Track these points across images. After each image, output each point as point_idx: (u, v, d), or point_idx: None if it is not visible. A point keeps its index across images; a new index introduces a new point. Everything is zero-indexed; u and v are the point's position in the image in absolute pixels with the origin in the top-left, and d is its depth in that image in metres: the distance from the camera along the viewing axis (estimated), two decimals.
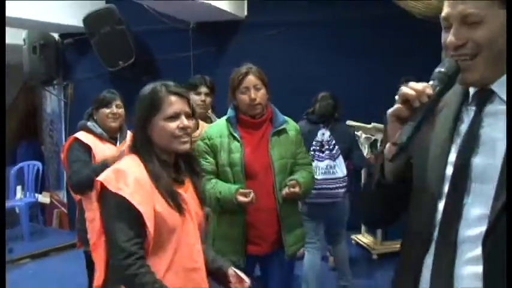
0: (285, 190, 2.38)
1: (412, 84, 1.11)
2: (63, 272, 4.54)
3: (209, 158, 2.43)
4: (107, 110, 2.99)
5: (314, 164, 3.47)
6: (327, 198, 3.57)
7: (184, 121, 1.69)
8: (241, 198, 2.29)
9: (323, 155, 3.61)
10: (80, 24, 5.50)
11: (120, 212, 1.55)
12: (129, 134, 3.09)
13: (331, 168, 3.58)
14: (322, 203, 3.56)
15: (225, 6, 5.24)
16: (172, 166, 1.73)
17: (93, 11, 5.37)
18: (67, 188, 5.99)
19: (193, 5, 4.81)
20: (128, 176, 1.57)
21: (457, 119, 1.18)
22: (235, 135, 2.42)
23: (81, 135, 2.93)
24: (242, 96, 2.42)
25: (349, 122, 4.75)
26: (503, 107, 1.09)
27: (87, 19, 5.35)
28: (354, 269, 4.48)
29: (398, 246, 3.78)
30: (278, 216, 2.43)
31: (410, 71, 4.10)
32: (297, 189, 2.36)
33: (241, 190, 2.31)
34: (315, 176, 3.25)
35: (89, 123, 2.97)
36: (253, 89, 2.40)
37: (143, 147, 1.67)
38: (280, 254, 2.48)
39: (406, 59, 4.85)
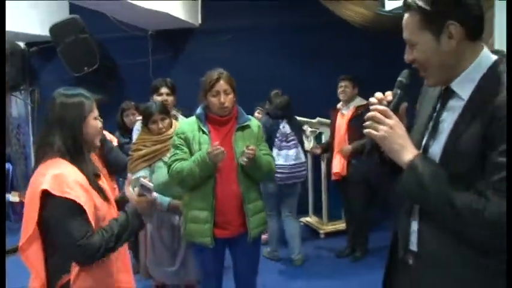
0: (243, 156, 2.56)
1: (376, 94, 1.44)
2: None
3: (184, 148, 2.67)
4: None
5: (284, 152, 4.31)
6: (296, 179, 4.38)
7: (100, 123, 1.91)
8: (213, 151, 2.49)
9: (289, 144, 4.38)
10: (45, 33, 5.88)
11: (71, 213, 1.67)
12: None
13: (298, 154, 4.39)
14: (292, 183, 4.37)
15: (180, 14, 5.70)
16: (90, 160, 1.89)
17: (58, 21, 5.75)
18: None
19: (151, 14, 5.21)
20: (68, 179, 1.69)
21: (434, 111, 1.44)
22: (204, 129, 2.67)
23: None
24: (213, 99, 2.64)
25: (299, 118, 5.34)
26: (460, 103, 1.34)
27: (53, 29, 5.73)
28: (305, 247, 5.09)
29: (342, 225, 4.66)
30: (242, 202, 2.66)
31: (349, 71, 4.74)
32: (252, 151, 2.54)
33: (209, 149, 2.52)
34: (287, 163, 4.25)
35: None
36: (223, 93, 2.63)
37: (75, 150, 1.79)
38: (246, 237, 2.70)
39: (345, 61, 5.50)
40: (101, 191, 1.84)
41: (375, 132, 1.39)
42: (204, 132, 2.68)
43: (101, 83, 5.86)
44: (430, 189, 1.31)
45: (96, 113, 1.90)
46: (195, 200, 2.68)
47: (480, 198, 1.24)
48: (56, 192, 1.67)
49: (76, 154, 1.80)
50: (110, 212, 1.89)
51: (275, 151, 4.31)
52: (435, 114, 1.44)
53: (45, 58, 6.55)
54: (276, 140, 4.38)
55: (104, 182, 1.94)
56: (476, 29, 1.33)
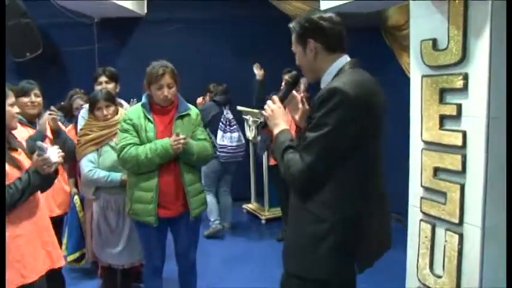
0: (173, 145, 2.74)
1: (268, 103, 1.99)
2: None
3: (134, 133, 2.83)
4: (26, 99, 3.21)
5: (228, 135, 4.99)
6: (238, 158, 5.11)
7: (17, 108, 2.29)
8: (175, 142, 2.72)
9: (232, 128, 5.06)
10: None
11: None
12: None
13: (240, 137, 5.12)
14: (233, 162, 5.10)
15: (126, 3, 5.69)
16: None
17: None
18: None
19: (97, 1, 5.18)
20: None
21: None
22: (149, 117, 2.84)
23: None
24: (157, 92, 2.81)
25: (240, 108, 5.54)
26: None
27: None
28: (247, 232, 5.31)
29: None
30: (183, 184, 2.85)
31: (289, 64, 4.95)
32: (181, 138, 2.74)
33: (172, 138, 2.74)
34: (231, 144, 4.96)
35: None
36: (167, 87, 2.80)
37: None
38: (187, 217, 2.90)
39: (286, 53, 5.68)
40: (11, 161, 2.20)
41: (265, 113, 1.99)
42: (149, 120, 2.85)
43: (43, 69, 5.77)
44: (277, 153, 1.90)
45: (11, 100, 2.26)
46: (140, 182, 2.83)
47: (294, 158, 1.80)
48: None
49: None
50: None
51: (220, 133, 5.00)
52: None
53: None
54: (221, 124, 5.04)
55: (21, 154, 2.32)
56: (331, 45, 1.89)
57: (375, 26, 5.50)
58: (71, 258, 3.57)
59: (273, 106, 1.97)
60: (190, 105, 3.03)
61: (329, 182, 1.78)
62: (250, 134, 5.58)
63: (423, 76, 2.38)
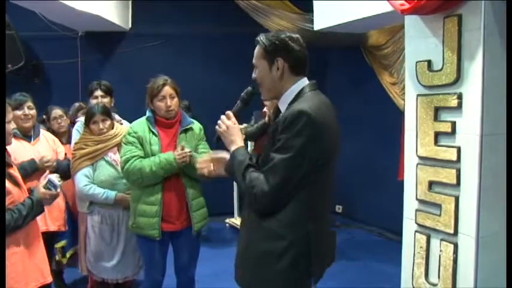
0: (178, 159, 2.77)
1: (222, 118, 1.99)
2: None
3: (139, 145, 2.86)
4: (19, 112, 3.21)
5: None
6: None
7: (13, 125, 2.40)
8: (180, 155, 2.76)
9: None
10: None
11: None
12: (41, 131, 3.45)
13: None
14: None
15: (111, 17, 5.75)
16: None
17: None
18: None
19: (82, 15, 5.21)
20: None
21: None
22: (154, 131, 2.89)
23: None
24: (159, 103, 2.87)
25: None
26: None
27: None
28: (229, 247, 5.31)
29: None
30: (186, 198, 2.90)
31: None
32: (186, 151, 2.79)
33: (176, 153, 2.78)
34: None
35: None
36: (169, 98, 2.87)
37: None
38: (189, 231, 2.94)
39: None
40: (10, 178, 2.24)
41: (219, 128, 1.99)
42: (154, 133, 2.90)
43: (26, 81, 5.73)
44: (236, 167, 1.92)
45: (9, 117, 2.28)
46: (144, 195, 2.87)
47: (258, 178, 1.82)
48: None
49: None
50: (20, 195, 2.31)
51: None
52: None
53: None
54: None
55: (15, 171, 2.37)
56: (296, 67, 1.93)
57: (356, 45, 5.70)
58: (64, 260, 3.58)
59: (228, 122, 1.98)
60: (193, 120, 3.09)
61: (289, 201, 1.84)
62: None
63: (418, 95, 2.51)
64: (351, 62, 6.07)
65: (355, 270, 4.58)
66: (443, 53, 2.34)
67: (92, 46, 6.24)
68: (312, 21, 5.20)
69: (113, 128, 3.33)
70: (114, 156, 3.26)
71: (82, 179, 3.19)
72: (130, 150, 2.87)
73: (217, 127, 2.01)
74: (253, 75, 1.99)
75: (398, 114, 5.09)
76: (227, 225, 6.11)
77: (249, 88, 2.09)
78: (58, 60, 6.03)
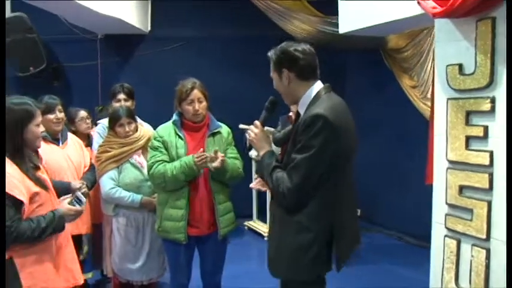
0: (211, 162, 2.76)
1: (251, 127, 2.24)
2: None
3: (163, 150, 2.86)
4: (51, 116, 3.22)
5: None
6: None
7: (42, 127, 2.39)
8: (197, 155, 2.74)
9: None
10: None
11: (10, 203, 2.09)
12: (70, 134, 3.46)
13: None
14: None
15: (131, 20, 5.78)
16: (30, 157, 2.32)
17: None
18: None
19: (103, 18, 5.25)
20: (12, 179, 2.11)
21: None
22: (180, 135, 2.87)
23: None
24: (187, 107, 2.85)
25: (242, 126, 5.58)
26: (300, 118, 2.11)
27: None
28: (249, 251, 5.30)
29: None
30: (213, 203, 2.87)
31: None
32: (205, 154, 2.76)
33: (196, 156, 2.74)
34: None
35: None
36: (197, 102, 2.85)
37: (14, 150, 2.18)
38: (215, 236, 2.91)
39: None
40: (38, 181, 2.25)
41: (248, 137, 2.25)
42: (180, 137, 2.89)
43: (46, 84, 5.79)
44: (265, 170, 2.15)
45: (37, 120, 2.27)
46: (171, 199, 2.86)
47: (283, 177, 2.04)
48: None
49: (15, 153, 2.19)
50: (48, 198, 2.31)
51: None
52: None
53: None
54: None
55: (44, 173, 2.37)
56: (303, 73, 2.12)
57: (376, 48, 5.67)
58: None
59: (256, 130, 2.23)
60: (221, 124, 3.06)
61: (313, 196, 2.05)
62: (253, 152, 5.64)
63: (449, 99, 2.50)
64: (370, 65, 6.03)
65: (374, 274, 4.54)
66: (475, 56, 2.33)
67: (111, 49, 6.28)
68: (332, 24, 5.18)
69: (137, 131, 3.34)
70: (139, 158, 3.27)
71: (108, 182, 3.20)
72: (155, 155, 2.87)
73: (247, 135, 2.27)
74: (274, 85, 2.24)
75: (418, 118, 5.07)
76: (246, 227, 6.10)
77: (271, 97, 2.32)
78: (78, 62, 6.07)
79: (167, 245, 2.96)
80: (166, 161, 2.85)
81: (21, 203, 2.13)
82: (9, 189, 2.09)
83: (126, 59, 6.40)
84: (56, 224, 2.24)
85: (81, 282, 2.49)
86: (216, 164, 2.77)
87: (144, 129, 3.46)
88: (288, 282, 2.25)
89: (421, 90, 5.20)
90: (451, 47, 2.48)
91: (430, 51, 4.95)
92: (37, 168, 2.33)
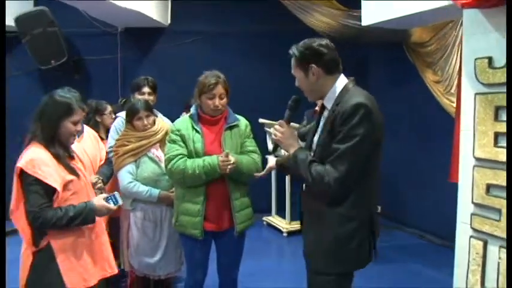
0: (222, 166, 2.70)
1: (276, 127, 2.21)
2: None
3: (182, 143, 2.81)
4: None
5: None
6: None
7: (79, 127, 2.39)
8: (222, 158, 2.68)
9: None
10: (7, 23, 5.76)
11: (35, 187, 2.17)
12: (85, 127, 3.36)
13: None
14: None
15: (151, 13, 5.77)
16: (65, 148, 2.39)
17: (25, 12, 5.65)
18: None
19: (124, 11, 5.27)
20: (39, 162, 2.19)
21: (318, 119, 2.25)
22: (197, 129, 2.82)
23: None
24: (208, 101, 2.79)
25: (261, 120, 5.54)
26: (327, 113, 2.13)
27: (19, 19, 5.61)
28: (268, 246, 5.25)
29: None
30: (230, 198, 2.81)
31: None
32: (230, 158, 2.70)
33: (220, 156, 2.69)
34: None
35: None
36: (219, 97, 2.80)
37: (50, 139, 2.27)
38: (232, 232, 2.85)
39: None
40: (71, 169, 2.31)
41: (274, 137, 2.22)
42: (197, 131, 2.84)
43: (67, 77, 5.82)
44: (301, 166, 2.09)
45: (75, 118, 2.32)
46: (188, 194, 2.82)
47: (325, 169, 2.00)
48: (28, 171, 2.16)
49: (50, 142, 2.27)
50: (81, 186, 2.37)
51: None
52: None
53: (7, 49, 6.38)
54: None
55: (78, 163, 2.44)
56: (329, 68, 2.10)
57: (398, 42, 5.55)
58: None
59: (282, 129, 2.20)
60: (239, 116, 3.01)
61: (357, 185, 2.05)
62: (271, 146, 5.59)
63: (476, 94, 2.40)
64: (392, 60, 5.91)
65: (396, 273, 4.45)
66: (506, 48, 2.22)
67: (131, 42, 6.28)
68: (354, 18, 5.08)
69: (154, 124, 3.31)
70: (156, 152, 3.24)
71: (126, 176, 3.18)
72: (173, 148, 2.82)
73: (273, 136, 2.23)
74: (296, 84, 2.20)
75: (441, 114, 4.95)
76: (264, 223, 6.05)
77: (294, 96, 2.27)
78: (98, 56, 6.09)
79: (184, 239, 2.93)
80: (184, 155, 2.80)
81: (54, 190, 2.20)
82: (43, 176, 2.16)
83: (145, 52, 6.40)
84: (85, 215, 2.26)
85: (116, 271, 2.54)
86: (227, 170, 2.72)
87: (162, 122, 3.43)
88: (321, 275, 2.17)
89: (445, 85, 5.07)
90: (480, 39, 2.38)
91: (455, 45, 4.83)
92: (71, 157, 2.40)
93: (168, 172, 2.87)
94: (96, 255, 2.39)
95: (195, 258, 2.92)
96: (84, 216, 2.26)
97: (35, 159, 2.19)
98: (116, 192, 2.45)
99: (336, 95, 2.10)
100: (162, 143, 3.23)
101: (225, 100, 2.85)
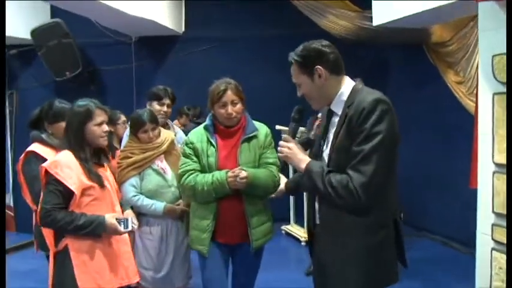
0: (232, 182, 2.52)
1: (281, 143, 2.04)
2: (16, 272, 4.51)
3: (194, 158, 2.66)
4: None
5: None
6: None
7: (105, 127, 2.43)
8: (230, 174, 2.51)
9: None
10: (24, 36, 5.80)
11: (53, 187, 2.27)
12: None
13: None
14: None
15: (164, 21, 5.74)
16: (94, 154, 2.46)
17: (40, 25, 5.70)
18: (13, 192, 6.25)
19: (137, 20, 5.24)
20: (62, 164, 2.29)
21: (325, 127, 2.07)
22: (212, 141, 2.65)
23: (38, 148, 2.88)
24: (220, 110, 2.62)
25: (278, 127, 5.40)
26: (336, 119, 1.96)
27: (35, 32, 5.67)
28: (286, 257, 5.09)
29: None
30: (245, 215, 2.62)
31: None
32: (242, 174, 2.50)
33: (230, 172, 2.52)
34: None
35: (44, 136, 2.90)
36: (231, 104, 2.60)
37: (76, 143, 2.37)
38: (248, 247, 2.66)
39: None
40: (94, 176, 2.35)
41: (281, 154, 2.03)
42: (211, 144, 2.67)
43: (82, 88, 5.81)
44: (317, 179, 1.89)
45: (97, 120, 2.39)
46: (199, 209, 2.70)
47: (346, 176, 1.82)
48: (51, 170, 2.27)
49: (76, 148, 2.36)
50: (105, 195, 2.41)
51: None
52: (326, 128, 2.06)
53: (24, 61, 6.45)
54: None
55: (107, 171, 2.51)
56: (335, 68, 1.95)
57: (418, 42, 5.36)
58: None
59: (289, 145, 2.03)
60: (259, 125, 2.78)
61: (384, 188, 1.87)
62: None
63: (495, 93, 2.22)
64: (412, 61, 5.72)
65: (418, 281, 4.25)
66: (507, 48, 2.05)
67: (145, 51, 6.27)
68: (370, 19, 4.92)
69: (159, 136, 3.18)
70: (161, 164, 3.12)
71: (129, 189, 3.06)
72: (186, 163, 2.68)
73: (279, 154, 2.06)
74: (298, 93, 2.04)
75: (464, 115, 4.74)
76: (283, 232, 5.91)
77: (297, 107, 2.15)
78: (113, 66, 6.09)
79: (199, 255, 2.76)
80: (197, 170, 2.65)
81: (72, 193, 2.26)
82: (62, 177, 2.24)
83: (160, 60, 6.38)
84: (93, 228, 2.27)
85: (136, 280, 2.55)
86: (238, 185, 2.54)
87: (167, 132, 3.31)
88: None
89: (468, 86, 4.89)
90: (498, 34, 2.20)
91: (477, 44, 4.61)
92: (100, 165, 2.46)
93: (181, 187, 2.79)
94: (113, 262, 2.39)
95: (211, 275, 2.73)
96: (92, 229, 2.27)
97: (59, 160, 2.30)
98: (130, 218, 2.44)
99: (345, 97, 1.94)
100: (167, 154, 3.13)
101: (239, 107, 2.65)
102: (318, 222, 2.07)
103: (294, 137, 2.10)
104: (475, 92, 4.70)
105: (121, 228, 2.33)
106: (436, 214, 5.49)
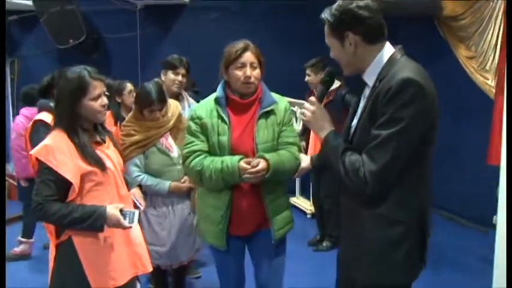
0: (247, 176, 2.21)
1: (306, 105, 1.84)
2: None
3: (201, 136, 2.33)
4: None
5: None
6: None
7: (104, 100, 2.07)
8: (244, 165, 2.20)
9: None
10: (25, 1, 5.69)
11: (46, 176, 1.98)
12: None
13: None
14: None
15: None
16: (93, 130, 2.14)
17: None
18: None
19: None
20: (54, 150, 1.98)
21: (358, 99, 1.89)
22: (224, 116, 2.30)
23: (46, 117, 2.84)
24: (236, 72, 2.27)
25: (288, 99, 5.31)
26: (368, 91, 1.76)
27: None
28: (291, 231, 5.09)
29: None
30: (263, 200, 2.32)
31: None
32: (260, 165, 2.20)
33: (244, 160, 2.21)
34: None
35: (52, 104, 2.76)
36: (250, 66, 2.28)
37: (69, 123, 2.02)
38: (266, 235, 2.37)
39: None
40: (93, 159, 2.03)
41: (303, 117, 1.84)
42: (223, 119, 2.32)
43: (86, 56, 5.71)
44: (331, 155, 1.75)
45: (93, 94, 2.02)
46: (210, 196, 2.39)
47: (360, 160, 1.65)
48: (42, 158, 1.98)
49: (70, 128, 2.02)
50: (109, 178, 2.11)
51: None
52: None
53: (25, 28, 6.33)
54: None
55: (109, 148, 2.17)
56: (371, 36, 1.71)
57: (428, 15, 5.25)
58: None
59: (313, 108, 1.83)
60: (278, 97, 2.43)
61: (401, 180, 1.67)
62: (296, 126, 5.41)
63: None
64: (422, 34, 5.59)
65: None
66: (507, 48, 1.98)
67: (150, 19, 6.13)
68: None
69: (166, 113, 3.00)
70: (166, 142, 3.00)
71: (133, 169, 2.96)
72: (191, 142, 2.34)
73: (302, 116, 1.86)
74: (331, 54, 1.82)
75: (474, 91, 4.69)
76: None
77: (328, 68, 2.00)
78: (117, 34, 5.97)
79: (211, 249, 2.51)
80: (205, 152, 2.33)
81: (69, 182, 1.98)
82: (55, 165, 1.95)
83: (165, 29, 6.24)
84: (93, 221, 1.98)
85: (150, 269, 2.32)
86: (253, 180, 2.25)
87: (173, 105, 3.12)
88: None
89: (479, 61, 4.80)
90: None
91: (491, 18, 4.53)
92: (99, 143, 2.14)
93: (185, 169, 2.48)
94: (124, 250, 2.16)
95: (226, 271, 2.52)
96: (91, 222, 1.98)
97: (49, 145, 1.99)
98: (137, 211, 2.11)
99: (379, 68, 1.71)
100: (173, 129, 3.00)
101: (258, 72, 2.31)
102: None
103: (321, 101, 1.89)
104: (486, 67, 4.65)
105: (125, 222, 2.02)
106: (447, 188, 5.47)
